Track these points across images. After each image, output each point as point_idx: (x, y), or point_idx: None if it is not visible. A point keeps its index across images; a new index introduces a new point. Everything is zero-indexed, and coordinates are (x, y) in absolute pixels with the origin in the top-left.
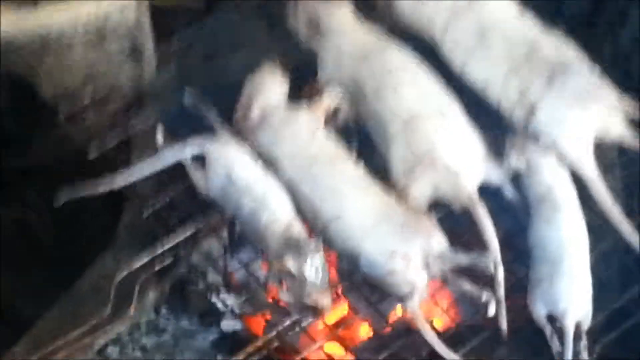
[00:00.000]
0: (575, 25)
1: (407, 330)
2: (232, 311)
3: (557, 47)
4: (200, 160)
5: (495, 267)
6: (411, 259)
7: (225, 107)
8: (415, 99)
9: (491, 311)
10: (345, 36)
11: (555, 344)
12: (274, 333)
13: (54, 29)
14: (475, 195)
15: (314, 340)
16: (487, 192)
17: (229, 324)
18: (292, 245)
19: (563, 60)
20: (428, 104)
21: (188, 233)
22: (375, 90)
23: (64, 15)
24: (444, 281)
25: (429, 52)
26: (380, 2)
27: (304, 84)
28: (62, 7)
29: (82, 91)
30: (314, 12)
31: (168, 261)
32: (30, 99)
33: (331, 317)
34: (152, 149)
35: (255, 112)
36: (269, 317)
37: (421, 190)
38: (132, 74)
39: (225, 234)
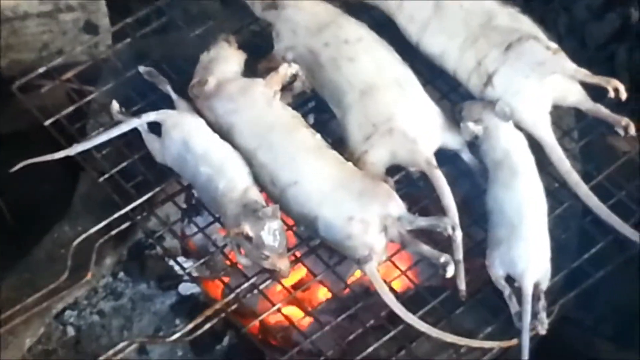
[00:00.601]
0: None
1: (366, 293)
2: (190, 275)
3: (513, 18)
4: (157, 129)
5: (454, 230)
6: (369, 223)
7: (181, 80)
8: (371, 69)
9: (449, 272)
10: (301, 8)
11: (513, 305)
12: (232, 296)
13: (8, 3)
14: (433, 160)
15: (272, 303)
16: (445, 157)
17: (187, 288)
18: (250, 211)
19: (519, 30)
20: (384, 73)
21: (144, 198)
22: (332, 60)
23: None
24: (403, 244)
25: (384, 23)
26: None
27: (260, 57)
28: None
29: (37, 62)
30: None
31: (124, 226)
32: None
33: (289, 280)
34: (108, 118)
35: (211, 82)
36: (227, 280)
37: (379, 157)
38: (87, 47)
39: (182, 200)
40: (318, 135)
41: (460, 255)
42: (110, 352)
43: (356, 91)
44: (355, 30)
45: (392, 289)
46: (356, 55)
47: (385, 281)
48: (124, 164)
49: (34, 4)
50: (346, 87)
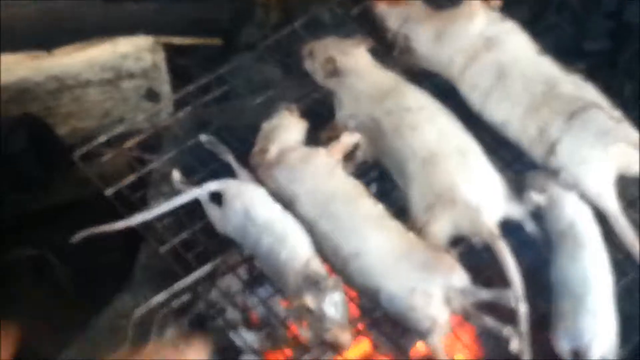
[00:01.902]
0: (595, 65)
1: None
2: (251, 348)
3: (577, 85)
4: (217, 198)
5: (518, 302)
6: (432, 295)
7: (242, 149)
8: (434, 137)
9: (514, 346)
10: (363, 76)
11: None
12: None
13: (70, 71)
14: (496, 231)
15: None
16: (509, 227)
17: None
18: (312, 282)
19: (582, 98)
20: (447, 142)
21: (206, 270)
22: (394, 128)
23: (80, 57)
24: (466, 316)
25: (446, 90)
26: (399, 44)
27: (322, 125)
28: (78, 51)
29: (98, 130)
30: (331, 53)
31: (186, 298)
32: (47, 140)
33: (352, 353)
34: (169, 188)
35: (272, 151)
36: (289, 353)
37: (441, 227)
38: (149, 114)
39: (243, 271)
40: (380, 205)
41: (524, 327)
42: None
43: (418, 160)
44: (418, 98)
45: None
46: (418, 124)
47: (448, 353)
48: (185, 234)
49: (96, 72)
50: (408, 155)
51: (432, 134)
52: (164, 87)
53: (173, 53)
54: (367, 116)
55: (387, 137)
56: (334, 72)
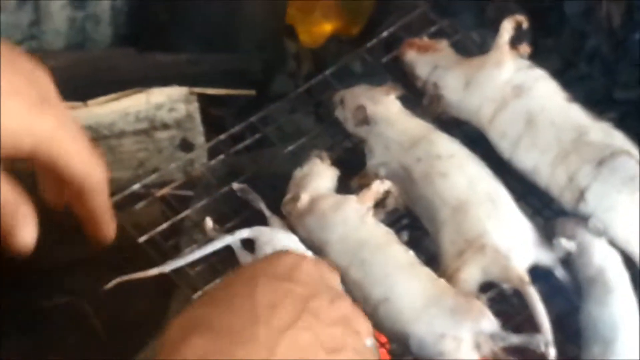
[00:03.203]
0: (626, 114)
1: None
2: None
3: (606, 133)
4: (250, 245)
5: (547, 347)
6: (461, 340)
7: (274, 196)
8: (464, 185)
9: None
10: (393, 124)
11: None
12: None
13: (105, 121)
14: (526, 277)
15: None
16: (539, 274)
17: None
18: None
19: (611, 145)
20: (477, 190)
21: None
22: (424, 176)
23: (114, 107)
24: None
25: (476, 138)
26: (428, 92)
27: (353, 173)
28: (112, 101)
29: (133, 180)
30: (361, 101)
31: None
32: None
33: None
34: (202, 235)
35: (304, 199)
36: None
37: (472, 274)
38: (183, 164)
39: None
40: (411, 252)
41: None
42: None
43: (449, 207)
44: (448, 146)
45: None
46: (448, 171)
47: None
48: (218, 280)
49: (130, 122)
50: (438, 203)
51: (462, 181)
52: (198, 137)
53: (207, 103)
54: (398, 164)
55: (418, 184)
56: (365, 120)
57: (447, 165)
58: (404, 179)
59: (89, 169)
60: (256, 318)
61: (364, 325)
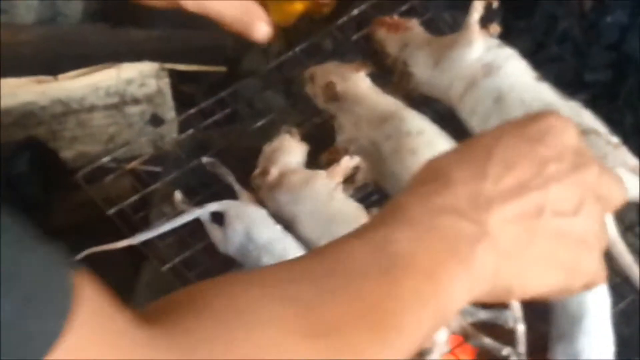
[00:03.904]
0: (596, 96)
1: None
2: None
3: (574, 112)
4: (219, 219)
5: (516, 323)
6: None
7: (244, 171)
8: None
9: None
10: (362, 101)
11: None
12: None
13: (75, 95)
14: None
15: None
16: None
17: None
18: None
19: (580, 124)
20: None
21: None
22: (394, 153)
23: (85, 82)
24: (465, 337)
25: (446, 115)
26: (398, 70)
27: (322, 149)
28: (83, 75)
29: (103, 154)
30: (331, 78)
31: None
32: (50, 163)
33: None
34: (171, 208)
35: (273, 173)
36: None
37: None
38: (153, 138)
39: None
40: None
41: (523, 348)
42: None
43: None
44: (417, 123)
45: None
46: (418, 148)
47: None
48: (187, 253)
49: (101, 97)
50: (407, 179)
51: (430, 157)
52: (169, 112)
53: (178, 79)
54: (367, 140)
55: (387, 161)
56: (334, 96)
57: (417, 142)
58: (373, 155)
59: None
60: (484, 175)
61: (614, 194)
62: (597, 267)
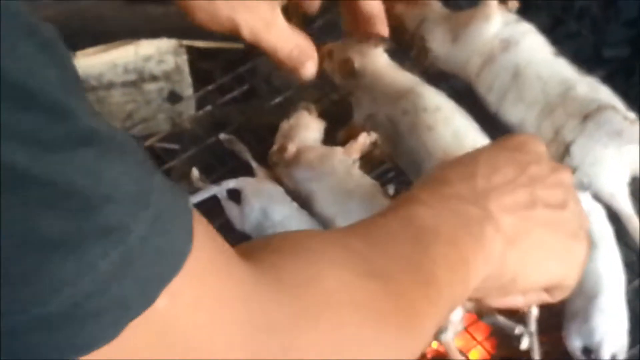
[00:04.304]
0: (614, 72)
1: None
2: None
3: (592, 87)
4: (236, 196)
5: None
6: None
7: (261, 148)
8: (450, 138)
9: (524, 344)
10: (380, 77)
11: None
12: None
13: (93, 72)
14: None
15: None
16: None
17: None
18: None
19: (597, 100)
20: (463, 143)
21: None
22: (411, 128)
23: (103, 59)
24: (479, 315)
25: (463, 91)
26: (416, 45)
27: (339, 126)
28: (101, 52)
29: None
30: (349, 54)
31: None
32: None
33: None
34: (188, 185)
35: (291, 150)
36: None
37: None
38: (170, 115)
39: None
40: None
41: (533, 327)
42: None
43: (434, 159)
44: (434, 99)
45: None
46: (435, 124)
47: (461, 351)
48: None
49: (119, 74)
50: (424, 155)
51: (448, 134)
52: (187, 89)
53: (196, 56)
54: (384, 116)
55: (404, 137)
56: (352, 72)
57: (434, 118)
58: (390, 131)
59: None
60: (475, 175)
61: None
62: (584, 264)
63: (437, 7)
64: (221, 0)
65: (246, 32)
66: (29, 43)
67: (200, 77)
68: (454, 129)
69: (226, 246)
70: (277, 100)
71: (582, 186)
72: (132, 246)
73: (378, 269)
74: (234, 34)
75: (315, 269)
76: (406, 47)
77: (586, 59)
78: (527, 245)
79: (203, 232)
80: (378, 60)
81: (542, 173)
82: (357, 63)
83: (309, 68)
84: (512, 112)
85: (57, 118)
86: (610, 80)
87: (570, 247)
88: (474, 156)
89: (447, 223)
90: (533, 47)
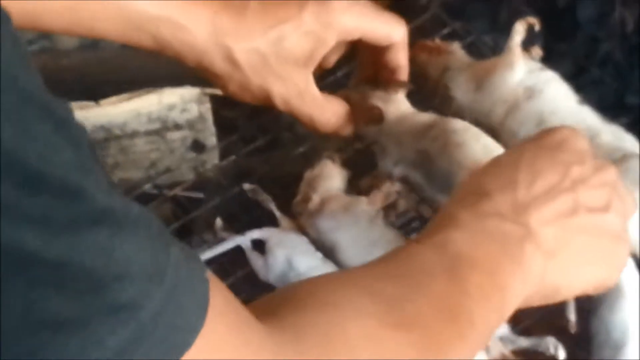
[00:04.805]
0: (637, 119)
1: None
2: None
3: (616, 136)
4: (260, 246)
5: (557, 350)
6: None
7: (285, 197)
8: (480, 152)
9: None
10: (404, 120)
11: None
12: None
13: (117, 121)
14: None
15: None
16: None
17: None
18: None
19: (622, 148)
20: (492, 155)
21: None
22: (441, 150)
23: (127, 107)
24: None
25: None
26: (439, 94)
27: (362, 175)
28: (125, 101)
29: (144, 180)
30: (371, 102)
31: None
32: None
33: None
34: (212, 236)
35: (315, 200)
36: None
37: None
38: (194, 164)
39: None
40: None
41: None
42: None
43: (464, 172)
44: (462, 122)
45: None
46: (465, 141)
47: None
48: (228, 281)
49: (143, 122)
50: (456, 170)
51: (478, 148)
52: (210, 138)
53: (219, 104)
54: (413, 152)
55: (436, 160)
56: (381, 120)
57: (463, 136)
58: (422, 163)
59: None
60: (516, 183)
61: (629, 201)
62: (626, 262)
63: (460, 56)
64: (252, 71)
65: (279, 101)
66: (43, 124)
67: (223, 126)
68: (484, 143)
69: (244, 312)
70: (301, 149)
71: None
72: (144, 323)
73: (407, 316)
74: (267, 105)
75: (338, 321)
76: (428, 95)
77: (609, 106)
78: (569, 255)
79: (220, 301)
80: (401, 106)
81: (585, 174)
82: (380, 108)
83: (345, 132)
84: None
85: (69, 199)
86: (633, 127)
87: (613, 250)
88: (515, 160)
89: (484, 247)
90: (557, 95)
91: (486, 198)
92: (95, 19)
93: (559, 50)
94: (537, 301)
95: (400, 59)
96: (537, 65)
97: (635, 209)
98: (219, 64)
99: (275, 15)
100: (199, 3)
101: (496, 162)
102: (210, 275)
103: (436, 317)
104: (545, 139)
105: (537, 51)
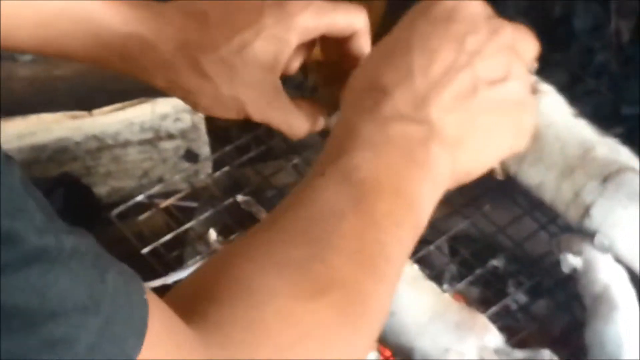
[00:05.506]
0: (632, 129)
1: None
2: None
3: (612, 149)
4: None
5: None
6: (465, 355)
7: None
8: None
9: None
10: None
11: None
12: None
13: (110, 131)
14: None
15: None
16: (544, 289)
17: None
18: None
19: (617, 161)
20: None
21: None
22: None
23: (120, 117)
24: None
25: None
26: None
27: None
28: (118, 111)
29: (137, 190)
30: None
31: None
32: (85, 199)
33: None
34: (205, 247)
35: None
36: None
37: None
38: (187, 174)
39: None
40: (415, 266)
41: None
42: None
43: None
44: None
45: None
46: None
47: None
48: None
49: (135, 132)
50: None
51: None
52: (203, 148)
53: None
54: None
55: None
56: None
57: None
58: None
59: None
60: (412, 71)
61: (529, 47)
62: (535, 120)
63: None
64: (222, 80)
65: (252, 110)
66: None
67: (217, 135)
68: None
69: (183, 330)
70: (295, 161)
71: (603, 248)
72: (80, 355)
73: (319, 280)
74: (240, 117)
75: (255, 312)
76: None
77: (604, 116)
78: (475, 138)
79: (159, 324)
80: None
81: (480, 42)
82: None
83: (316, 129)
84: (530, 174)
85: (1, 245)
86: (628, 137)
87: (518, 118)
88: (406, 40)
89: (388, 165)
90: (553, 108)
91: (384, 97)
92: (64, 37)
93: (554, 60)
94: (451, 187)
95: (364, 45)
96: (533, 78)
97: (536, 45)
98: (188, 78)
99: (235, 23)
100: (163, 20)
101: (387, 45)
102: (149, 295)
103: (350, 269)
104: (436, 7)
105: (531, 64)
